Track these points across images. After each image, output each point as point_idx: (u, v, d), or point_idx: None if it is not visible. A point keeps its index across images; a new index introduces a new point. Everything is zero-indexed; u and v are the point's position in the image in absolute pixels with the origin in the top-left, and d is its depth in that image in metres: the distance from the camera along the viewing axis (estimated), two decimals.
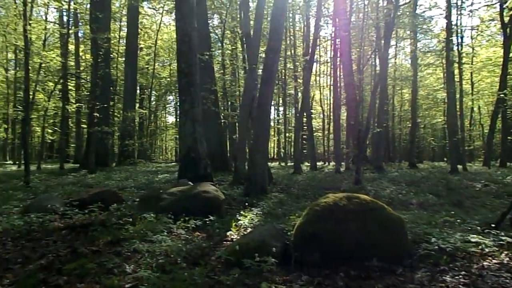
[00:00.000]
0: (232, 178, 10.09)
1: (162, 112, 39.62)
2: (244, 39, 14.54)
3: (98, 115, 14.26)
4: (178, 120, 34.01)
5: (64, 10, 24.83)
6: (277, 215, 5.48)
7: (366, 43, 20.75)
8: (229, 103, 18.37)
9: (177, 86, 31.13)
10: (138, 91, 27.26)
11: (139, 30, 24.61)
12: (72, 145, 31.84)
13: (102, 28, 14.20)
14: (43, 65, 23.09)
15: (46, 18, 27.86)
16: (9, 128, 31.14)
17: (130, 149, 20.96)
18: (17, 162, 23.57)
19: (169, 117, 43.76)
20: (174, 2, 6.37)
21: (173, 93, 35.93)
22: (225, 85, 15.85)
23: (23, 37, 11.36)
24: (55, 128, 30.39)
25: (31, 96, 17.07)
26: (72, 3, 20.03)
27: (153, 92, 31.82)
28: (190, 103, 6.29)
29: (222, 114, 13.82)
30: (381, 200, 5.31)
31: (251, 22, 12.67)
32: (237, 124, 21.04)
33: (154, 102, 34.38)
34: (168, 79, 31.47)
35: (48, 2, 25.37)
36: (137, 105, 25.37)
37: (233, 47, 19.80)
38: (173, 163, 24.02)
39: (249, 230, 4.58)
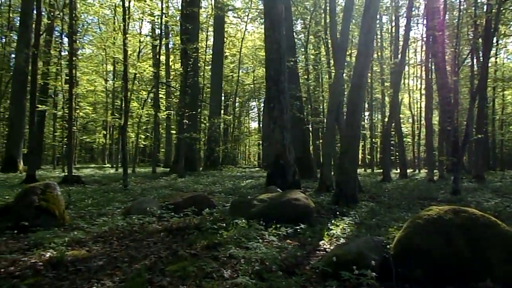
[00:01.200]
0: (318, 185, 9.91)
1: (246, 117, 40.58)
2: (329, 44, 14.35)
3: (187, 121, 14.91)
4: (261, 126, 34.87)
5: (157, 24, 26.60)
6: (370, 226, 5.23)
7: (462, 42, 19.31)
8: (313, 108, 18.20)
9: (260, 92, 31.68)
10: (223, 98, 28.16)
11: (225, 39, 25.45)
12: (162, 150, 33.86)
13: (191, 39, 14.90)
14: (137, 75, 24.92)
15: (141, 31, 30.07)
16: (108, 134, 34.00)
17: (216, 155, 21.71)
18: (114, 166, 25.59)
19: (252, 123, 44.72)
20: (263, 11, 6.40)
21: (256, 99, 36.67)
22: (309, 90, 15.72)
23: (123, 50, 12.29)
24: (147, 134, 32.56)
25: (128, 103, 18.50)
26: (164, 16, 21.33)
27: (237, 98, 32.60)
28: (279, 110, 6.28)
29: (306, 119, 13.69)
30: (486, 213, 4.83)
31: (338, 27, 12.47)
32: (320, 129, 20.86)
33: (238, 109, 35.24)
34: (252, 85, 32.14)
35: (142, 17, 27.30)
36: (222, 111, 26.16)
37: (317, 52, 19.62)
38: (257, 169, 24.43)
39: (342, 240, 4.42)
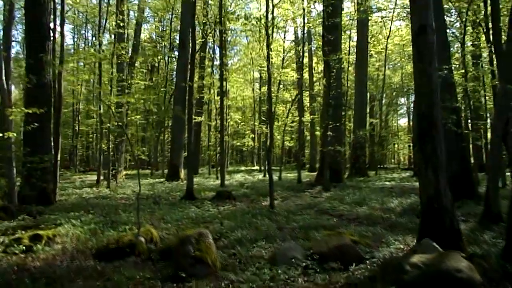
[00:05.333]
0: (482, 212, 8.62)
1: (393, 115, 38.42)
2: (491, 40, 12.39)
3: (331, 134, 14.65)
4: (411, 124, 32.59)
5: (299, 28, 26.92)
6: None
7: None
8: (473, 120, 16.11)
9: (408, 89, 29.45)
10: (368, 99, 27.04)
11: (368, 39, 24.32)
12: (307, 151, 34.30)
13: (334, 49, 14.54)
14: (281, 80, 25.63)
15: (284, 36, 30.86)
16: (256, 137, 35.87)
17: (362, 160, 20.96)
18: (262, 169, 26.80)
19: (401, 120, 42.09)
20: (411, 37, 5.76)
21: (405, 96, 34.35)
22: (468, 98, 13.88)
23: (267, 60, 12.64)
24: (292, 136, 33.33)
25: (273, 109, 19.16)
26: (306, 25, 21.38)
27: (384, 97, 30.95)
28: (432, 148, 5.56)
29: (464, 133, 12.07)
30: None
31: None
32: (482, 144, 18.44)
33: (384, 107, 33.50)
34: (400, 84, 30.18)
35: (285, 25, 27.85)
36: (368, 113, 25.11)
37: (476, 48, 17.23)
38: (407, 174, 22.87)
39: None
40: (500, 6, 16.02)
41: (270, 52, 12.57)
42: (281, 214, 9.56)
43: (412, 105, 32.67)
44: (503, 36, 11.63)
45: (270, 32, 13.72)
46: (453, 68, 12.64)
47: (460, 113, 12.22)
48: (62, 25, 11.30)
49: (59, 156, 11.19)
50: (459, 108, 11.57)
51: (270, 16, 13.31)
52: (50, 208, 9.77)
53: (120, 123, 12.30)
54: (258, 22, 13.30)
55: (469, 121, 16.32)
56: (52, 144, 10.48)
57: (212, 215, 9.29)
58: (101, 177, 17.36)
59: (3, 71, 8.53)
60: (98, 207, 10.14)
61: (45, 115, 9.72)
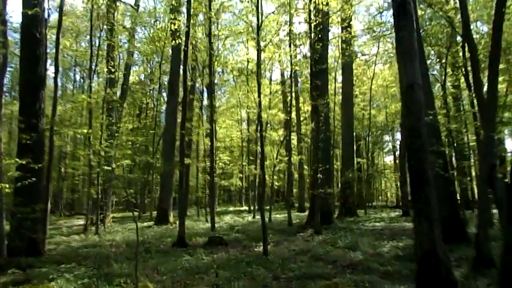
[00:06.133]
0: (474, 257, 8.71)
1: (379, 152, 39.05)
2: (470, 81, 12.91)
3: (321, 176, 14.83)
4: (397, 162, 33.17)
5: (286, 72, 27.66)
6: None
7: None
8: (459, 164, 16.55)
9: (393, 127, 30.15)
10: (354, 138, 27.56)
11: (353, 81, 25.09)
12: (295, 189, 34.36)
13: (321, 94, 14.99)
14: (268, 121, 26.08)
15: (271, 80, 31.61)
16: (243, 177, 35.89)
17: (351, 200, 21.12)
18: (251, 210, 26.68)
19: (387, 157, 42.76)
20: (400, 93, 6.06)
21: (390, 134, 35.10)
22: (453, 141, 14.31)
23: (258, 102, 12.93)
24: (280, 176, 33.47)
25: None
26: (293, 67, 22.03)
27: (370, 137, 31.60)
28: (425, 201, 5.73)
29: (451, 177, 12.36)
30: None
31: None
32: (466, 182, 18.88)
33: (371, 146, 34.16)
34: (384, 122, 30.93)
35: (271, 68, 28.62)
36: (355, 152, 25.49)
37: (456, 91, 17.93)
38: (396, 213, 23.05)
39: None
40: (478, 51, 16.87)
41: (261, 95, 13.00)
42: (276, 261, 9.50)
43: (397, 143, 33.42)
44: (484, 80, 12.20)
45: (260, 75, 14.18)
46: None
47: (446, 155, 12.55)
48: (56, 74, 11.45)
49: (49, 204, 11.05)
50: (444, 152, 11.90)
51: (256, 61, 13.79)
52: (40, 259, 9.54)
53: (109, 168, 12.28)
54: (248, 72, 13.62)
55: (454, 160, 16.74)
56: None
57: (206, 264, 9.19)
58: (88, 222, 17.07)
59: None
60: (89, 258, 9.96)
61: (36, 163, 9.67)
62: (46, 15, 11.19)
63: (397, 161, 32.35)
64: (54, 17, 20.77)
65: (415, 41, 5.91)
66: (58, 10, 13.15)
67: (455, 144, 16.70)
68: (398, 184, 29.32)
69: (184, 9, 19.20)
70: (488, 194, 9.20)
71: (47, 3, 10.94)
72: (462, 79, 18.53)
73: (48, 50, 12.05)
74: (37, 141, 9.92)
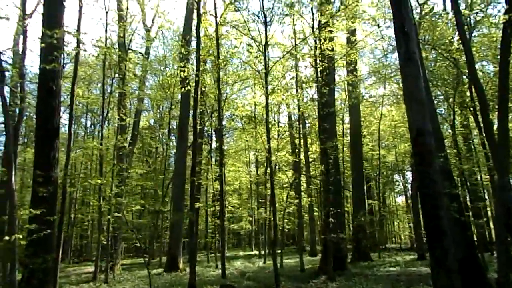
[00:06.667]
0: None
1: (391, 193, 38.59)
2: (481, 127, 12.92)
3: (332, 220, 14.62)
4: (409, 202, 32.69)
5: (294, 114, 27.96)
6: None
7: None
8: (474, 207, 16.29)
9: (403, 167, 29.95)
10: (364, 179, 27.36)
11: (361, 122, 25.25)
12: (306, 232, 33.79)
13: (329, 137, 15.08)
14: (277, 163, 26.09)
15: (279, 122, 31.89)
16: (253, 220, 35.44)
17: (364, 244, 20.68)
18: (262, 255, 26.18)
19: (399, 197, 42.22)
20: (411, 139, 6.06)
21: (400, 174, 34.81)
22: (466, 182, 14.16)
23: (267, 148, 13.02)
24: (290, 218, 33.00)
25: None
26: (300, 109, 22.29)
27: (380, 176, 31.38)
28: (443, 252, 5.61)
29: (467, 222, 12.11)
30: None
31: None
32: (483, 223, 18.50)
33: (381, 187, 33.83)
34: (394, 162, 30.78)
35: (279, 110, 29.05)
36: (366, 195, 25.22)
37: (466, 130, 17.91)
38: (411, 256, 22.44)
39: None
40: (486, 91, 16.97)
41: (270, 141, 13.15)
42: None
43: (409, 182, 33.04)
44: (494, 120, 12.20)
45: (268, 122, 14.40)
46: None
47: (460, 198, 12.37)
48: (70, 124, 11.71)
49: (60, 254, 10.98)
50: (459, 194, 11.74)
51: (264, 103, 14.03)
52: None
53: (119, 214, 12.25)
54: (256, 117, 13.81)
55: (468, 203, 16.47)
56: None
57: None
58: (98, 269, 16.81)
59: (13, 172, 8.68)
60: None
61: (50, 214, 9.71)
62: (61, 66, 11.62)
63: (409, 201, 31.89)
64: (69, 65, 21.47)
65: (422, 87, 6.00)
66: (73, 60, 13.58)
67: (468, 185, 16.49)
68: (411, 226, 28.75)
69: (193, 56, 19.85)
70: (506, 237, 8.99)
71: (63, 58, 11.36)
72: (471, 118, 18.57)
73: (62, 99, 12.42)
74: (51, 192, 10.00)
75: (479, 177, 19.43)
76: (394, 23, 5.98)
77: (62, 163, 14.52)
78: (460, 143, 20.75)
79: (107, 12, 16.70)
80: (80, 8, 11.91)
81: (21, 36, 13.51)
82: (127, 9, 19.95)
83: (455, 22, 11.63)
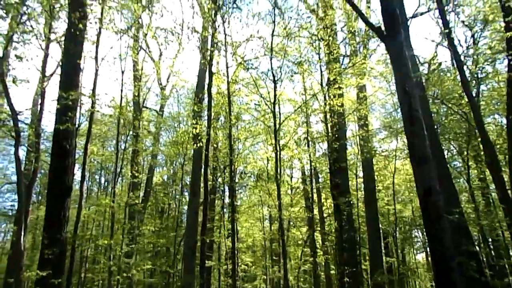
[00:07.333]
0: None
1: (410, 250, 37.19)
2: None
3: (348, 280, 14.08)
4: (429, 259, 31.39)
5: (306, 169, 27.88)
6: None
7: None
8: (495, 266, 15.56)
9: (421, 223, 29.13)
10: (381, 235, 26.54)
11: (375, 176, 24.94)
12: None
13: (343, 192, 14.88)
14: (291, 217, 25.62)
15: (291, 177, 31.79)
16: (267, 279, 34.23)
17: None
18: None
19: (418, 254, 40.61)
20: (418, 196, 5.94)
21: (418, 229, 33.70)
22: (484, 239, 13.63)
23: (277, 202, 12.82)
24: (306, 277, 31.87)
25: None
26: (312, 164, 22.24)
27: (397, 232, 30.47)
28: None
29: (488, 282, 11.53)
30: None
31: None
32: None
33: (400, 242, 32.70)
34: (411, 217, 29.96)
35: (291, 165, 29.01)
36: (383, 252, 24.38)
37: (482, 183, 17.51)
38: None
39: None
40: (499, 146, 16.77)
41: (280, 198, 13.02)
42: None
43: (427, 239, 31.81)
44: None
45: (279, 173, 14.37)
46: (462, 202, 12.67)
47: (479, 255, 11.86)
48: (82, 183, 11.84)
49: None
50: (477, 252, 11.26)
51: (275, 156, 14.09)
52: None
53: (129, 274, 12.00)
54: (268, 174, 13.81)
55: (492, 261, 15.73)
56: None
57: None
58: None
59: (23, 232, 8.70)
60: None
61: (57, 275, 9.59)
62: (76, 125, 11.96)
63: (429, 258, 30.61)
64: (85, 123, 22.12)
65: (426, 145, 5.96)
66: (87, 119, 13.98)
67: (489, 241, 15.85)
68: (433, 285, 27.40)
69: (206, 113, 20.28)
70: None
71: (78, 117, 11.73)
72: (488, 172, 18.19)
73: (77, 156, 12.68)
74: (59, 253, 9.94)
75: (500, 233, 18.70)
76: (396, 84, 6.08)
77: (74, 219, 14.53)
78: (479, 197, 20.22)
79: (123, 73, 17.44)
80: (96, 70, 12.46)
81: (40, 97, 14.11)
82: (142, 69, 20.79)
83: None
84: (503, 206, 15.23)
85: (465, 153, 18.45)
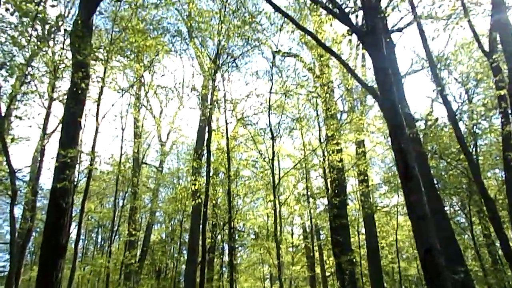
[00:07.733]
0: None
1: None
2: None
3: None
4: None
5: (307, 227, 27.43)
6: None
7: None
8: None
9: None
10: None
11: (377, 233, 24.46)
12: None
13: (344, 250, 14.54)
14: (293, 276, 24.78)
15: (292, 233, 31.16)
16: None
17: None
18: None
19: None
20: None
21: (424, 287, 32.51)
22: None
23: (277, 264, 12.44)
24: None
25: None
26: (313, 220, 21.93)
27: None
28: None
29: None
30: None
31: None
32: None
33: None
34: (417, 275, 29.02)
35: (292, 222, 28.55)
36: None
37: (488, 240, 17.09)
38: None
39: None
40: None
41: (280, 257, 12.67)
42: None
43: None
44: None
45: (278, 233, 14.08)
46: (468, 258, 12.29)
47: None
48: (76, 243, 11.58)
49: None
50: None
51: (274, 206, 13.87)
52: None
53: None
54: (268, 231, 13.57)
55: None
56: None
57: None
58: None
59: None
60: None
61: None
62: (74, 182, 11.89)
63: None
64: (84, 180, 21.98)
65: (424, 203, 5.88)
66: (86, 176, 13.92)
67: None
68: None
69: (205, 169, 20.25)
70: None
71: (76, 175, 11.70)
72: (492, 228, 17.85)
73: (73, 214, 12.51)
74: None
75: None
76: (392, 143, 6.11)
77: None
78: (485, 254, 19.69)
79: (123, 130, 17.64)
80: (97, 128, 12.61)
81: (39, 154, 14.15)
82: (142, 125, 21.06)
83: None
84: (510, 263, 14.81)
85: (468, 208, 18.21)
